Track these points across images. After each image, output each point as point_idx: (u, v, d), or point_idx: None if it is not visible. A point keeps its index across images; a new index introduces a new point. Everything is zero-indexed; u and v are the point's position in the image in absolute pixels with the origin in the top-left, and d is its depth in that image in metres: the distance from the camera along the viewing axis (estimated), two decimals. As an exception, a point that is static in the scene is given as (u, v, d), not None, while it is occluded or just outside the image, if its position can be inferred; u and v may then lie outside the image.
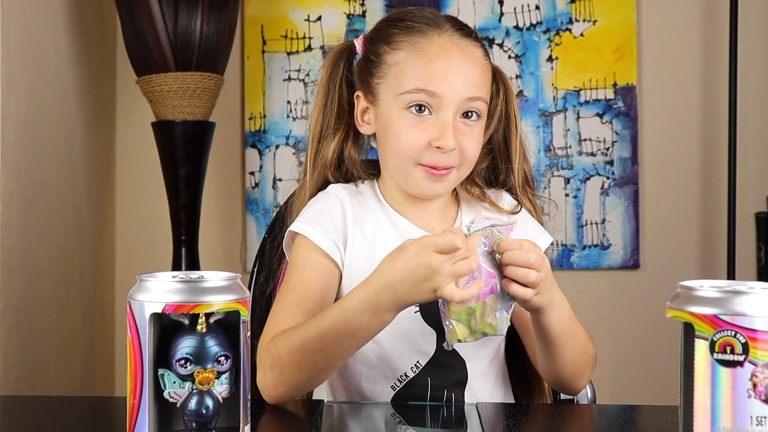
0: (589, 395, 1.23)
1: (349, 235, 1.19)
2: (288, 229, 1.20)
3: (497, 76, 1.25)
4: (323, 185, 1.25)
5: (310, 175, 1.25)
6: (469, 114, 1.15)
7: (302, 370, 1.03)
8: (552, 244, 1.27)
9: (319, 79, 1.26)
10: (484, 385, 1.20)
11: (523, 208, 1.26)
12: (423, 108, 1.14)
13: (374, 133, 1.22)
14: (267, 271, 1.38)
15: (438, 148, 1.13)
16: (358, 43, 1.23)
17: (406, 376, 1.18)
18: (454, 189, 1.26)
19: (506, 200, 1.26)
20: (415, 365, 1.17)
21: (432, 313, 1.16)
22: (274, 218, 1.41)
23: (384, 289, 0.97)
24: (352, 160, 1.25)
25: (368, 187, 1.25)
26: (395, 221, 1.21)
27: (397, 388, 1.17)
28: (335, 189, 1.23)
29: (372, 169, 1.27)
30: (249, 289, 1.40)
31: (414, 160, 1.15)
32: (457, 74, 1.14)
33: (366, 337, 1.02)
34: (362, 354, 1.19)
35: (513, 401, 1.27)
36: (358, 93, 1.22)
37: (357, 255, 1.18)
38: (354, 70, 1.25)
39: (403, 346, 1.17)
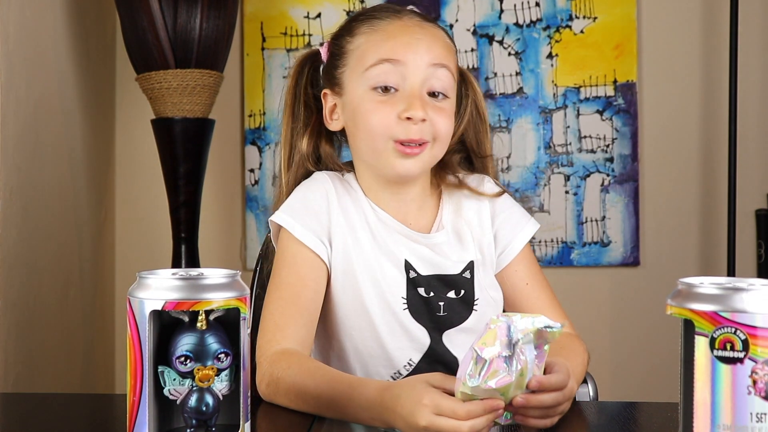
0: (591, 393, 1.23)
1: (333, 225, 1.18)
2: (270, 219, 1.20)
3: (465, 78, 1.27)
4: (305, 176, 1.24)
5: (285, 175, 1.24)
6: (436, 94, 1.15)
7: (292, 404, 1.04)
8: (535, 236, 1.28)
9: (285, 87, 1.28)
10: None
11: (506, 195, 1.26)
12: (389, 88, 1.14)
13: (343, 128, 1.22)
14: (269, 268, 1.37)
15: (408, 119, 1.12)
16: (323, 50, 1.25)
17: (399, 374, 1.18)
18: (436, 182, 1.25)
19: (488, 186, 1.25)
20: (408, 362, 1.17)
21: (420, 310, 1.17)
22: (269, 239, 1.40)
23: (386, 410, 0.93)
24: (328, 156, 1.25)
25: (353, 177, 1.25)
26: (379, 215, 1.21)
27: None
28: (320, 176, 1.23)
29: (350, 166, 1.27)
30: (251, 288, 1.40)
31: (386, 137, 1.14)
32: (419, 43, 1.15)
33: (357, 423, 0.99)
34: (357, 351, 1.19)
35: None
36: (325, 91, 1.23)
37: (347, 247, 1.18)
38: (320, 76, 1.26)
39: (397, 342, 1.17)
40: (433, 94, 1.15)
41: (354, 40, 1.19)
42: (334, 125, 1.22)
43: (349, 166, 1.27)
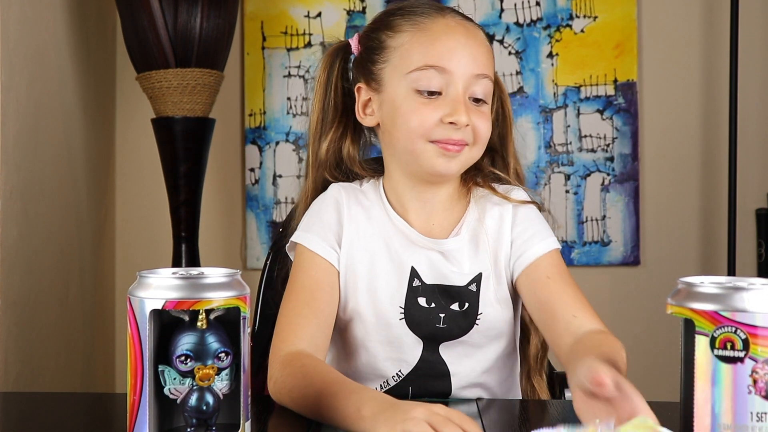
0: None
1: (344, 236, 1.18)
2: (290, 239, 1.21)
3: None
4: (324, 185, 1.24)
5: (312, 177, 1.25)
6: (477, 100, 1.15)
7: (294, 407, 1.03)
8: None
9: (316, 79, 1.25)
10: (480, 395, 1.19)
11: (533, 206, 1.23)
12: (433, 93, 1.13)
13: (377, 125, 1.20)
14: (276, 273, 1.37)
15: (451, 123, 1.11)
16: (354, 42, 1.23)
17: (387, 383, 1.17)
18: (467, 185, 1.24)
19: (517, 194, 1.23)
20: (397, 374, 1.17)
21: (418, 321, 1.15)
22: (280, 235, 1.40)
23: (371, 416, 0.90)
24: (350, 158, 1.24)
25: (371, 186, 1.23)
26: (395, 224, 1.20)
27: (384, 389, 1.17)
28: (333, 189, 1.22)
29: (372, 168, 1.26)
30: (258, 289, 1.40)
31: (425, 138, 1.13)
32: (465, 51, 1.13)
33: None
34: (351, 358, 1.19)
35: None
36: (360, 85, 1.20)
37: (352, 256, 1.18)
38: (350, 68, 1.24)
39: (387, 353, 1.16)
40: (475, 99, 1.15)
41: (397, 37, 1.16)
42: (367, 120, 1.20)
43: (373, 167, 1.26)
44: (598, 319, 1.16)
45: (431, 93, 1.13)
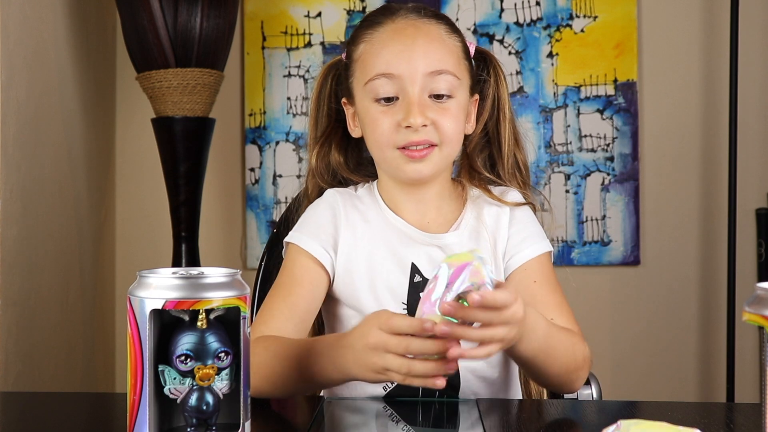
0: (594, 395, 1.23)
1: (340, 239, 1.20)
2: (285, 240, 1.23)
3: (487, 60, 1.26)
4: (319, 193, 1.27)
5: (308, 186, 1.28)
6: (440, 96, 1.15)
7: (268, 384, 1.03)
8: (551, 250, 1.24)
9: (311, 95, 1.30)
10: (481, 390, 1.19)
11: (527, 207, 1.24)
12: (390, 98, 1.15)
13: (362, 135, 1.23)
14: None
15: (407, 127, 1.13)
16: (343, 57, 1.26)
17: (392, 381, 1.17)
18: (461, 184, 1.25)
19: (511, 195, 1.24)
20: None
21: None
22: (275, 235, 1.40)
23: (341, 347, 0.98)
24: (339, 165, 1.27)
25: (366, 190, 1.26)
26: (393, 222, 1.21)
27: (389, 389, 1.17)
28: (329, 194, 1.25)
29: (363, 169, 1.28)
30: (254, 289, 1.40)
31: (390, 145, 1.16)
32: (413, 51, 1.15)
33: (323, 384, 1.01)
34: None
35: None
36: (344, 99, 1.25)
37: (350, 257, 1.19)
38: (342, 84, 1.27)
39: None
40: (437, 96, 1.15)
41: (357, 49, 1.20)
42: (355, 132, 1.24)
43: (364, 168, 1.28)
44: (574, 323, 1.17)
45: (388, 99, 1.15)
